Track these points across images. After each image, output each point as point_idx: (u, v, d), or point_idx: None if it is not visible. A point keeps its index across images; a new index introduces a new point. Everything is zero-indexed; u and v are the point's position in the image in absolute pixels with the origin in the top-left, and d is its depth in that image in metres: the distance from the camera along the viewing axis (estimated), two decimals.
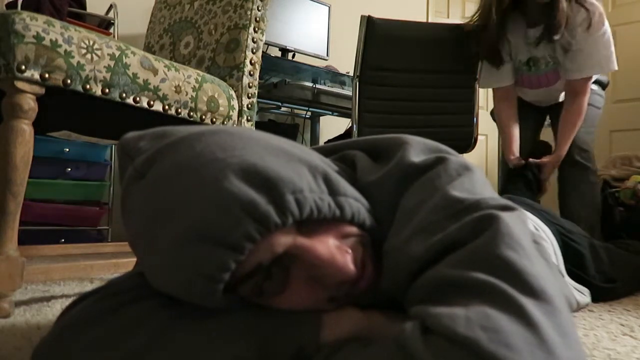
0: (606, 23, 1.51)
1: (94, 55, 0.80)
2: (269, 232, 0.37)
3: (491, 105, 1.87)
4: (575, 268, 1.00)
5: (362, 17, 1.68)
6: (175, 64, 0.94)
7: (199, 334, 0.40)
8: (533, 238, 0.39)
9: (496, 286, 0.33)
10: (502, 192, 1.63)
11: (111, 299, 0.45)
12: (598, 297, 1.02)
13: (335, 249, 0.41)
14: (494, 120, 1.85)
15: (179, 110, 0.93)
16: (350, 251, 0.42)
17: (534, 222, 0.99)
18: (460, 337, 0.30)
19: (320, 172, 0.42)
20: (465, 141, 1.81)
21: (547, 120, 1.89)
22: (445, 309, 0.32)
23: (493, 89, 1.76)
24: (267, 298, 0.42)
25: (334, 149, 0.55)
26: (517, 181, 1.61)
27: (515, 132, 1.70)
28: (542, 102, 1.80)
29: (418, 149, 0.48)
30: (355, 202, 0.44)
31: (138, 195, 0.41)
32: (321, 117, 2.79)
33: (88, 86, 0.79)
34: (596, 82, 1.77)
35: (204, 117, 0.97)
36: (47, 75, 0.75)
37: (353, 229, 0.43)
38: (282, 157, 0.41)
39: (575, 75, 1.55)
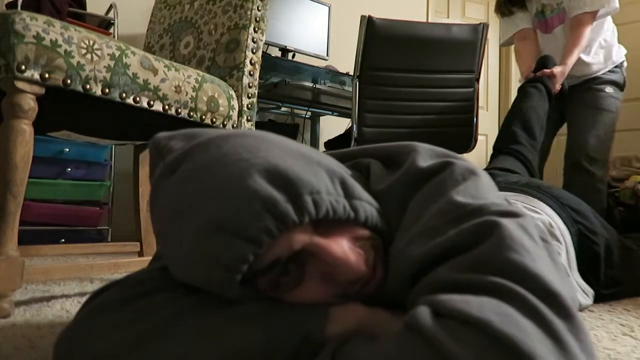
0: None
1: (94, 55, 0.80)
2: (286, 229, 0.40)
3: (491, 105, 1.88)
4: (587, 270, 0.99)
5: (362, 17, 1.68)
6: (175, 64, 0.94)
7: (210, 319, 0.43)
8: (541, 236, 0.41)
9: (505, 286, 0.34)
10: (516, 108, 1.69)
11: (132, 289, 0.48)
12: (600, 299, 1.02)
13: (348, 249, 0.43)
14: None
15: (179, 110, 0.93)
16: (362, 252, 0.45)
17: (550, 218, 0.97)
18: (473, 319, 0.31)
19: (337, 176, 0.45)
20: (466, 141, 1.81)
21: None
22: (457, 296, 0.34)
23: (515, 39, 1.94)
24: (282, 292, 0.44)
25: (348, 156, 0.58)
26: (531, 93, 1.69)
27: (532, 62, 1.83)
28: (555, 57, 1.83)
29: (426, 155, 0.51)
30: (369, 206, 0.46)
31: (167, 191, 0.44)
32: (321, 117, 2.79)
33: (88, 86, 0.79)
34: (612, 83, 1.80)
35: (204, 117, 0.97)
36: (47, 75, 0.75)
37: (366, 232, 0.46)
38: (302, 161, 0.43)
39: (575, 12, 1.72)
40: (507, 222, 0.39)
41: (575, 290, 0.93)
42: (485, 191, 0.46)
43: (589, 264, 1.00)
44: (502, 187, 1.09)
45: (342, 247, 0.43)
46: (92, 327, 0.45)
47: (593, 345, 0.33)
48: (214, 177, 0.41)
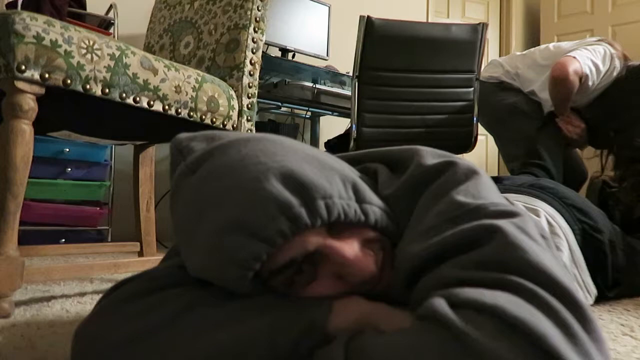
0: None
1: (94, 55, 0.80)
2: (299, 231, 0.42)
3: None
4: (595, 271, 0.98)
5: (361, 17, 1.67)
6: (175, 64, 0.93)
7: (218, 310, 0.45)
8: (541, 233, 0.42)
9: (515, 281, 0.35)
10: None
11: (148, 284, 0.50)
12: (602, 299, 1.01)
13: (360, 251, 0.46)
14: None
15: (179, 110, 0.93)
16: (372, 253, 0.47)
17: (551, 216, 0.97)
18: (488, 306, 0.33)
19: (350, 181, 0.47)
20: (465, 141, 1.81)
21: None
22: (470, 289, 0.35)
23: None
24: (295, 289, 0.46)
25: (355, 160, 0.60)
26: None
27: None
28: None
29: (429, 156, 0.53)
30: (379, 210, 0.48)
31: (187, 189, 0.47)
32: (321, 117, 2.79)
33: (88, 86, 0.79)
34: None
35: (204, 117, 0.97)
36: (47, 75, 0.75)
37: (375, 234, 0.48)
38: (317, 166, 0.46)
39: None
40: (506, 224, 0.40)
41: (577, 287, 0.93)
42: (487, 191, 0.48)
43: (597, 265, 0.99)
44: (507, 189, 1.11)
45: (354, 249, 0.45)
46: (110, 318, 0.47)
47: (604, 337, 0.34)
48: (233, 178, 0.43)
